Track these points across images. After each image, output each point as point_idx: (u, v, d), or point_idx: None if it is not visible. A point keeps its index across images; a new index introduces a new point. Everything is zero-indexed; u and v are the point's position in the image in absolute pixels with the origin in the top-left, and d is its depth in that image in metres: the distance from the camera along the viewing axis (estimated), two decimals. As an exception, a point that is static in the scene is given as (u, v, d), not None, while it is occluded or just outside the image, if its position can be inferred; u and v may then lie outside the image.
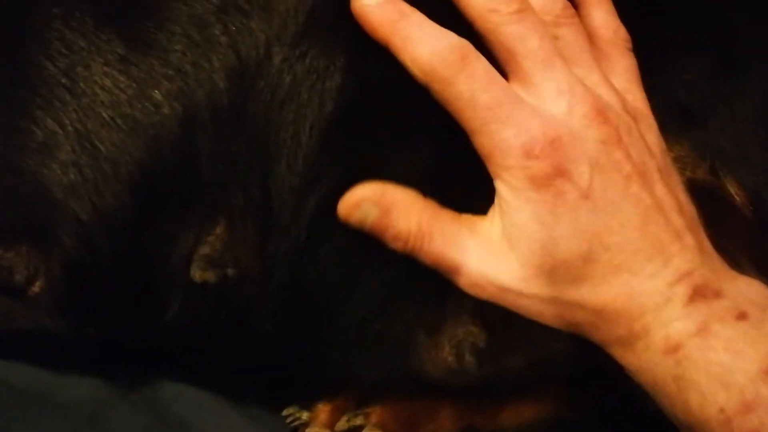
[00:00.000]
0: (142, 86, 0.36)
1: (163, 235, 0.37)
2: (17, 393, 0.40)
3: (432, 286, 0.38)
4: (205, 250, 0.37)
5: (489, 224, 0.36)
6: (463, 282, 0.36)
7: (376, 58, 0.36)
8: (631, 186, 0.35)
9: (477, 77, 0.34)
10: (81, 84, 0.36)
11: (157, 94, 0.36)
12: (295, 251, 0.37)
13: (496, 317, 0.37)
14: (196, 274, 0.37)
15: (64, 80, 0.36)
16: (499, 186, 0.35)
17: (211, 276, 0.37)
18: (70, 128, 0.36)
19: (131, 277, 0.37)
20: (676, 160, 0.39)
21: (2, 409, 0.40)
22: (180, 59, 0.36)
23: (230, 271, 0.37)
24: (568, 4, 0.37)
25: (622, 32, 0.38)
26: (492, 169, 0.35)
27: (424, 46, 0.34)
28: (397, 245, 0.36)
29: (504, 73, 0.35)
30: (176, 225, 0.37)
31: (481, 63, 0.35)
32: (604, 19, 0.38)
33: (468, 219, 0.36)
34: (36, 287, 0.38)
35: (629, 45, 0.38)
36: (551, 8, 0.36)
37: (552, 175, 0.34)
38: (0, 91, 0.37)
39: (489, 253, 0.35)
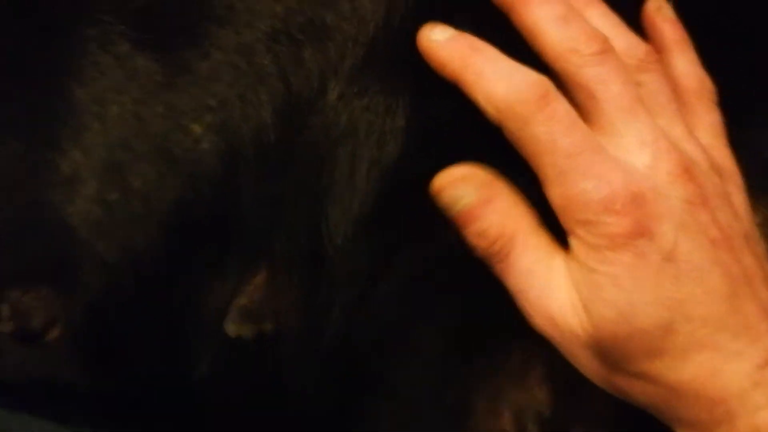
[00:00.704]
0: (181, 117, 0.33)
1: (196, 282, 0.34)
2: None
3: (494, 344, 0.34)
4: (242, 301, 0.34)
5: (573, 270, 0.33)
6: (532, 312, 0.33)
7: (443, 97, 0.33)
8: (718, 252, 0.31)
9: (557, 119, 0.31)
10: (113, 113, 0.33)
11: (197, 127, 0.33)
12: (344, 306, 0.33)
13: (565, 382, 0.34)
14: (231, 327, 0.34)
15: (95, 108, 0.33)
16: (573, 242, 0.32)
17: (247, 331, 0.34)
18: (98, 161, 0.33)
19: (159, 327, 0.34)
20: (760, 226, 0.35)
21: None
22: (224, 90, 0.33)
23: (268, 326, 0.34)
24: (652, 49, 0.34)
25: (707, 84, 0.36)
26: (566, 223, 0.32)
27: (499, 81, 0.32)
28: (480, 243, 0.32)
29: (582, 119, 0.33)
30: (212, 272, 0.34)
31: (562, 104, 0.32)
32: (688, 68, 0.35)
33: (563, 252, 0.33)
34: (54, 333, 0.35)
35: (714, 98, 0.36)
36: (634, 52, 0.34)
37: (633, 234, 0.31)
38: (25, 118, 0.34)
39: (569, 296, 0.32)
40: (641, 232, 0.31)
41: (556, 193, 0.32)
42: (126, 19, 0.33)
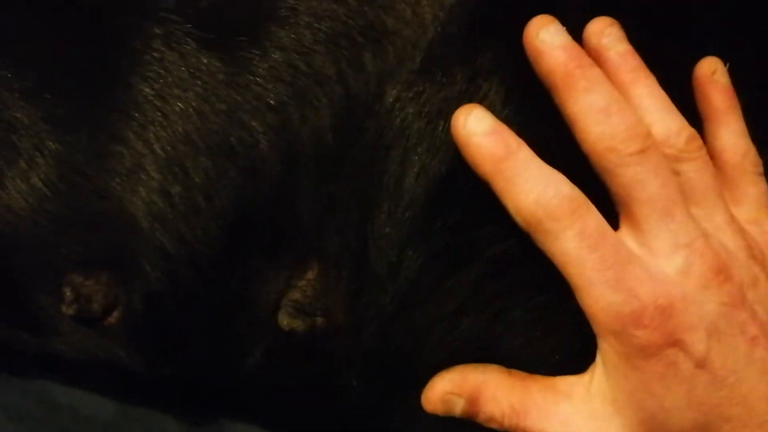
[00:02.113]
0: (241, 115, 0.34)
1: (252, 274, 0.34)
2: (83, 420, 0.39)
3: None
4: (295, 295, 0.35)
5: (588, 383, 0.33)
6: None
7: (499, 108, 0.33)
8: (756, 350, 0.31)
9: (587, 234, 0.31)
10: (177, 108, 0.34)
11: (257, 125, 0.34)
12: (389, 307, 0.34)
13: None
14: (284, 320, 0.34)
15: (158, 103, 0.34)
16: (604, 346, 0.32)
17: (299, 324, 0.34)
18: (161, 153, 0.34)
19: (214, 316, 0.35)
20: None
21: None
22: (284, 90, 0.34)
23: (319, 321, 0.35)
24: (695, 134, 0.33)
25: (752, 155, 0.34)
26: (597, 329, 0.32)
27: (529, 193, 0.31)
28: (493, 426, 0.33)
29: (617, 214, 0.32)
30: (267, 265, 0.34)
31: (593, 217, 0.31)
32: (732, 141, 0.34)
33: (562, 383, 0.33)
34: (113, 318, 0.36)
35: (760, 170, 0.35)
36: (675, 141, 0.32)
37: (663, 345, 0.30)
38: (92, 111, 0.35)
39: (591, 419, 0.32)
40: (671, 343, 0.30)
41: (585, 303, 0.31)
42: (191, 18, 0.34)
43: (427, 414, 0.35)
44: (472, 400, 0.33)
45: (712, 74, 0.34)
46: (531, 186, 0.31)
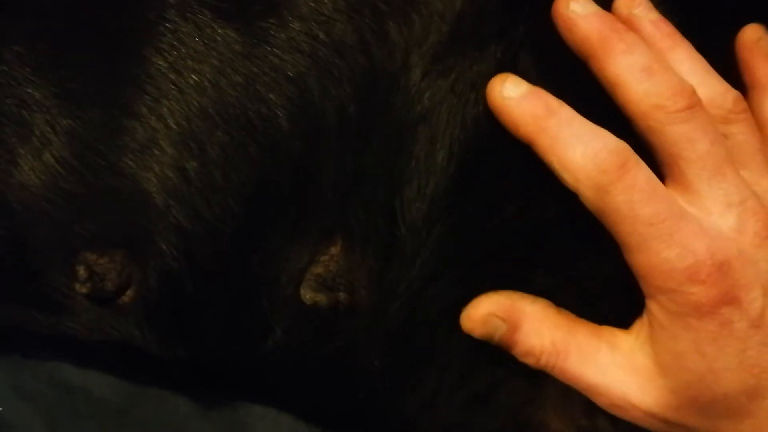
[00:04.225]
0: (260, 88, 0.33)
1: (272, 251, 0.34)
2: (96, 402, 0.38)
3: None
4: (318, 269, 0.34)
5: (633, 341, 0.32)
6: (602, 401, 0.32)
7: (531, 82, 0.32)
8: None
9: (638, 188, 0.30)
10: (191, 81, 0.33)
11: (276, 98, 0.33)
12: (417, 285, 0.33)
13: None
14: (307, 294, 0.34)
15: (173, 76, 0.33)
16: (653, 307, 0.31)
17: (322, 299, 0.34)
18: (175, 128, 0.33)
19: (233, 295, 0.34)
20: None
21: (79, 417, 0.38)
22: (303, 61, 0.33)
23: (342, 297, 0.34)
24: (740, 96, 0.32)
25: None
26: (647, 289, 0.31)
27: (576, 147, 0.30)
28: (528, 361, 0.33)
29: (662, 175, 0.31)
30: (289, 242, 0.34)
31: (643, 170, 0.30)
32: None
33: (608, 332, 0.33)
34: (127, 296, 0.35)
35: None
36: (722, 101, 0.32)
37: (719, 303, 0.30)
38: (105, 85, 0.34)
39: (633, 374, 0.32)
40: (727, 300, 0.30)
41: (637, 261, 0.30)
42: (206, -13, 0.33)
43: (445, 399, 0.35)
44: (515, 328, 0.32)
45: (757, 41, 0.34)
46: (577, 141, 0.30)
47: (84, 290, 0.35)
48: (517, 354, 0.33)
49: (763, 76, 0.33)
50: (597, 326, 0.33)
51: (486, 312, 0.32)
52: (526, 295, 0.33)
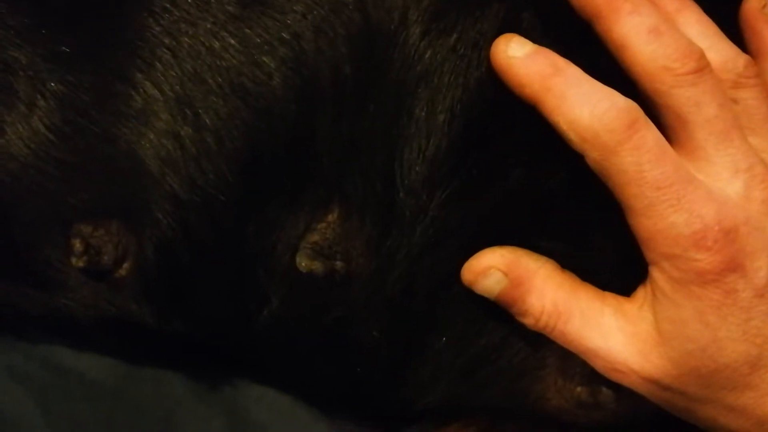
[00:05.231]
0: (254, 51, 0.32)
1: (268, 219, 0.33)
2: (89, 384, 0.38)
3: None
4: (314, 237, 0.33)
5: (637, 309, 0.31)
6: (601, 365, 0.32)
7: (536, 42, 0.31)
8: None
9: (646, 149, 0.29)
10: (185, 45, 0.32)
11: (270, 61, 0.32)
12: (417, 251, 0.32)
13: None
14: (303, 262, 0.33)
15: (167, 40, 0.33)
16: (656, 274, 0.30)
17: (318, 266, 0.33)
18: (170, 94, 0.32)
19: (230, 264, 0.34)
20: None
21: (72, 400, 0.38)
22: (299, 22, 0.32)
23: (339, 265, 0.33)
24: (752, 61, 0.32)
25: None
26: (650, 255, 0.30)
27: (583, 106, 0.29)
28: (527, 321, 0.32)
29: (669, 140, 0.30)
30: (285, 210, 0.33)
31: (651, 131, 0.29)
32: None
33: (612, 298, 0.32)
34: (123, 270, 0.34)
35: None
36: (733, 65, 0.31)
37: (724, 271, 0.29)
38: (97, 51, 0.33)
39: (635, 340, 0.31)
40: (733, 268, 0.29)
41: (642, 225, 0.30)
42: (198, -53, 0.32)
43: (444, 370, 0.34)
44: (517, 284, 0.32)
45: (762, 8, 0.33)
46: (585, 99, 0.29)
47: (80, 264, 0.34)
48: (516, 313, 0.32)
49: None
50: (601, 291, 0.32)
51: (488, 264, 0.32)
52: (531, 253, 0.32)
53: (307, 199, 0.33)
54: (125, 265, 0.34)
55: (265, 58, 0.32)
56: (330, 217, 0.33)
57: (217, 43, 0.32)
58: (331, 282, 0.33)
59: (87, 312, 0.35)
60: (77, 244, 0.34)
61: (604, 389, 0.33)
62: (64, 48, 0.32)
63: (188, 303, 0.35)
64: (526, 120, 0.31)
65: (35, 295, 0.36)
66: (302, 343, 0.35)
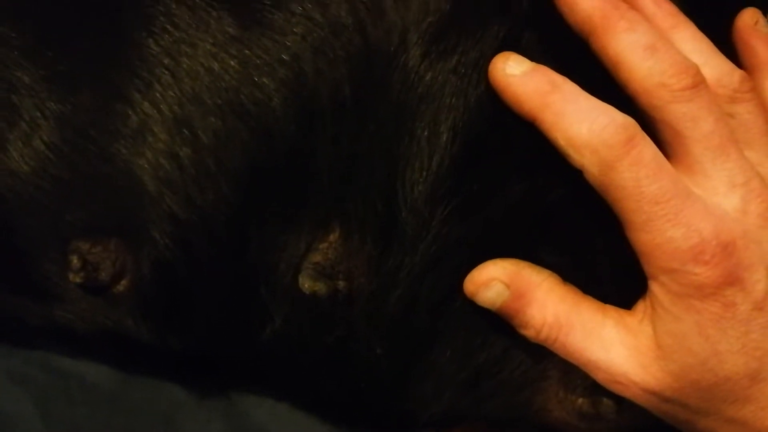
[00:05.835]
0: (253, 72, 0.32)
1: (269, 239, 0.33)
2: (89, 388, 0.38)
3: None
4: (316, 257, 0.33)
5: (637, 322, 0.31)
6: (602, 377, 0.32)
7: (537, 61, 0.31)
8: None
9: (644, 164, 0.29)
10: (184, 65, 0.32)
11: (270, 82, 0.32)
12: (419, 269, 0.32)
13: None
14: (306, 283, 0.33)
15: (166, 60, 0.33)
16: (656, 288, 0.30)
17: (321, 287, 0.33)
18: (168, 114, 0.33)
19: (230, 284, 0.34)
20: None
21: (71, 403, 0.38)
22: (298, 43, 0.32)
23: (341, 285, 0.33)
24: (747, 75, 0.32)
25: None
26: (649, 269, 0.30)
27: (581, 122, 0.29)
28: (528, 333, 0.32)
29: (666, 156, 0.31)
30: (286, 230, 0.33)
31: (649, 147, 0.30)
32: None
33: (613, 311, 0.32)
34: (121, 286, 0.35)
35: None
36: (728, 81, 0.31)
37: (722, 284, 0.29)
38: (95, 69, 0.33)
39: (636, 353, 0.31)
40: (731, 281, 0.29)
41: (640, 240, 0.30)
42: (199, -32, 0.32)
43: (447, 385, 0.34)
44: (518, 296, 0.32)
45: (755, 24, 0.33)
46: (583, 116, 0.29)
47: (77, 280, 0.34)
48: (517, 325, 0.32)
49: (763, 58, 0.33)
50: (602, 304, 0.32)
51: (490, 276, 0.32)
52: (534, 266, 0.32)
53: (307, 219, 0.33)
54: (123, 282, 0.34)
55: (264, 79, 0.32)
56: (331, 237, 0.33)
57: (216, 64, 0.32)
58: (334, 301, 0.33)
59: (85, 325, 0.36)
60: (75, 260, 0.34)
61: (605, 400, 0.34)
62: (64, 68, 0.32)
63: (186, 321, 0.35)
64: (525, 136, 0.31)
65: (35, 306, 0.36)
66: (305, 360, 0.35)
